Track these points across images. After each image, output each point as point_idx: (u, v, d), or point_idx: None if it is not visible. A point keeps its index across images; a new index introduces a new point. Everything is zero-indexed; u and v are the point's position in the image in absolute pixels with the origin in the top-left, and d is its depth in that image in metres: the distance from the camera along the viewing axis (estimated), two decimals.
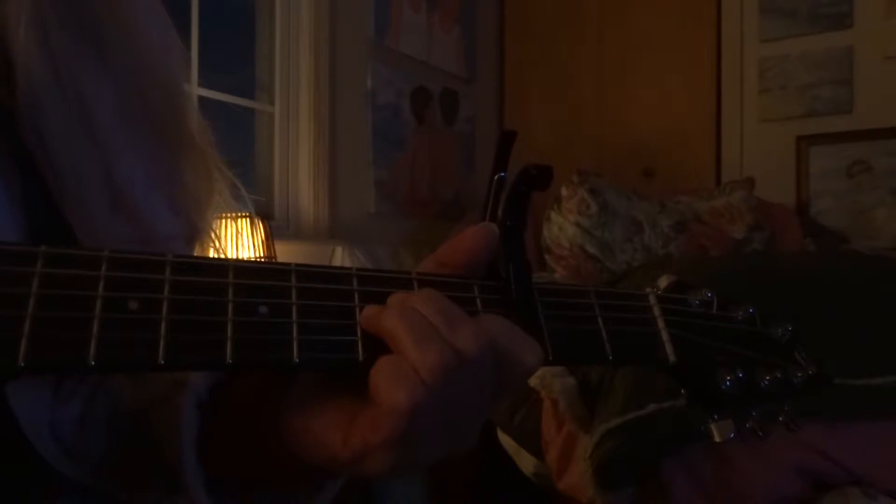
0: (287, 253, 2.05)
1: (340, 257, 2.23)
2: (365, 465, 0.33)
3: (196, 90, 2.07)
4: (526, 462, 1.66)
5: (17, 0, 0.41)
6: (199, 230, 0.51)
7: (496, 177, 0.38)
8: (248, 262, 0.34)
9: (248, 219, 1.86)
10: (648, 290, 0.43)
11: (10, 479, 0.42)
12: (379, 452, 0.32)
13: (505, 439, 1.72)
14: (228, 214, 1.79)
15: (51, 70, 0.42)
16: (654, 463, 1.27)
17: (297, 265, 0.34)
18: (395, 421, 0.31)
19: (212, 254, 0.53)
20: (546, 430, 1.55)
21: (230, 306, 0.31)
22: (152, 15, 0.50)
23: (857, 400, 1.24)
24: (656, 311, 0.42)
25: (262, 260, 1.87)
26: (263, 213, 2.01)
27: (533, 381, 1.51)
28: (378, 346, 0.33)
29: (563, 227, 2.40)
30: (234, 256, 1.82)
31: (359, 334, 0.34)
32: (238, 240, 1.83)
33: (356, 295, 0.34)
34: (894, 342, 1.36)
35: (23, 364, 0.27)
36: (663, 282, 0.44)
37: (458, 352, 0.33)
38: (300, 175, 2.35)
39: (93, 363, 0.28)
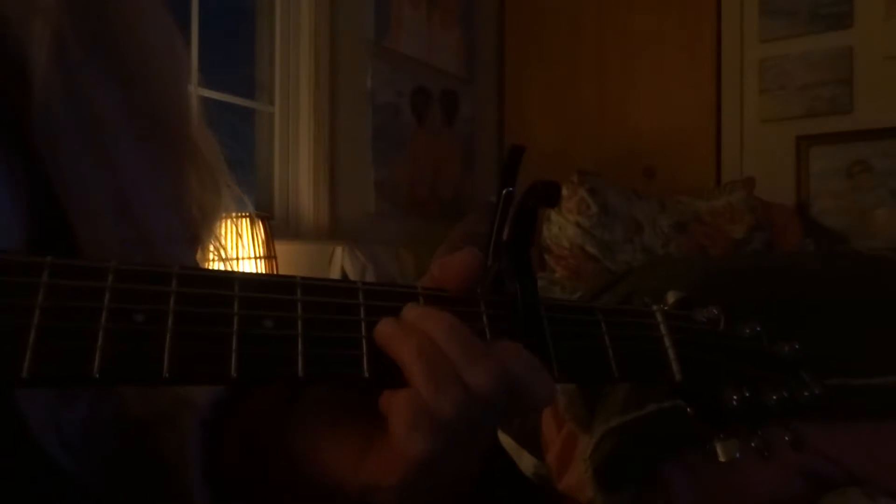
0: (287, 253, 2.05)
1: (340, 257, 2.23)
2: (374, 497, 0.34)
3: (196, 90, 2.07)
4: (526, 462, 1.66)
5: (44, 19, 0.41)
6: (203, 238, 0.51)
7: (504, 192, 0.37)
8: (254, 274, 0.34)
9: (248, 219, 1.86)
10: (655, 307, 0.43)
11: (18, 479, 0.42)
12: (389, 492, 0.33)
13: (505, 439, 1.72)
14: (228, 214, 1.79)
15: (67, 89, 0.42)
16: (654, 463, 1.27)
17: (302, 278, 0.34)
18: (410, 467, 0.31)
19: (214, 259, 0.53)
20: (546, 430, 1.55)
21: (235, 319, 0.31)
22: (162, 26, 0.50)
23: (857, 400, 1.24)
24: (663, 329, 0.42)
25: (263, 259, 1.87)
26: (263, 213, 2.01)
27: None
28: (384, 361, 0.33)
29: (563, 227, 2.40)
30: (235, 256, 1.82)
31: (364, 349, 0.33)
32: (238, 240, 1.83)
33: (362, 309, 0.34)
34: (894, 342, 1.36)
35: (27, 376, 0.27)
36: (670, 298, 0.44)
37: (474, 392, 0.32)
38: (300, 175, 2.35)
39: (97, 375, 0.28)
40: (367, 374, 0.33)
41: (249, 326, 0.31)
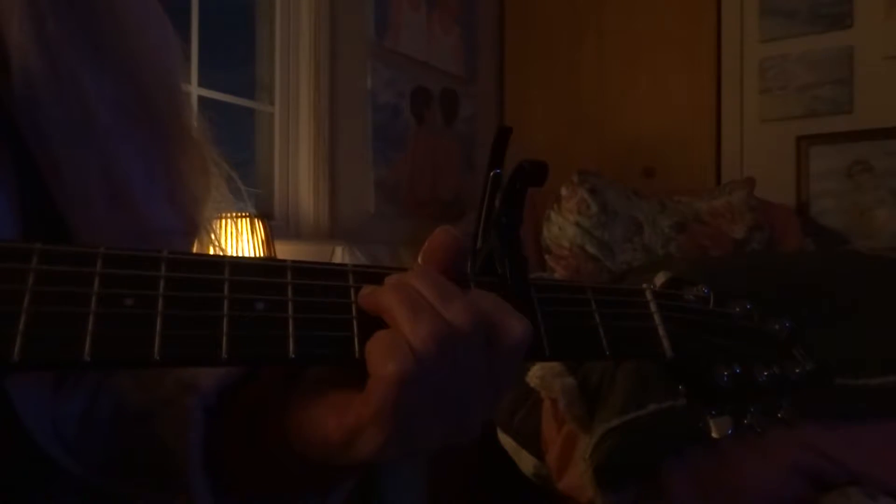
0: (287, 253, 2.05)
1: (340, 257, 2.23)
2: (358, 445, 0.33)
3: (196, 90, 2.07)
4: (526, 462, 1.66)
5: None
6: (197, 225, 0.51)
7: (492, 173, 0.38)
8: (244, 258, 0.34)
9: (248, 219, 1.86)
10: (645, 285, 0.43)
11: (14, 476, 0.42)
12: (370, 428, 0.32)
13: (505, 439, 1.72)
14: (228, 214, 1.79)
15: (47, 64, 0.42)
16: (654, 463, 1.27)
17: (293, 261, 0.34)
18: (385, 391, 0.31)
19: (211, 251, 0.53)
20: (546, 430, 1.55)
21: (226, 302, 0.31)
22: (148, 9, 0.50)
23: (857, 400, 1.24)
24: (653, 307, 0.42)
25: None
26: (263, 213, 2.00)
27: (533, 381, 1.51)
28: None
29: (563, 227, 2.40)
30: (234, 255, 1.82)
31: (355, 330, 0.34)
32: (238, 240, 1.83)
33: (352, 291, 0.34)
34: (894, 342, 1.36)
35: (17, 360, 0.27)
36: (660, 279, 0.44)
37: (450, 324, 0.33)
38: (300, 175, 2.35)
39: (88, 359, 0.28)
40: (357, 355, 0.33)
41: (240, 309, 0.31)
